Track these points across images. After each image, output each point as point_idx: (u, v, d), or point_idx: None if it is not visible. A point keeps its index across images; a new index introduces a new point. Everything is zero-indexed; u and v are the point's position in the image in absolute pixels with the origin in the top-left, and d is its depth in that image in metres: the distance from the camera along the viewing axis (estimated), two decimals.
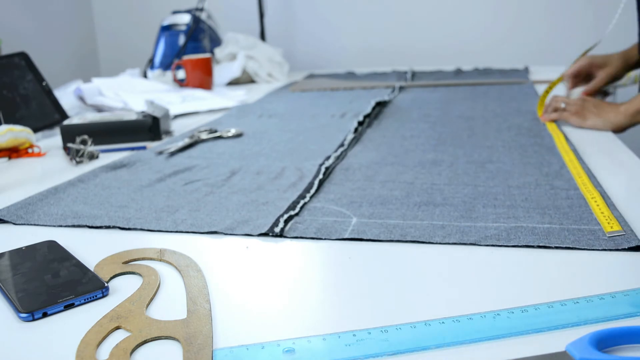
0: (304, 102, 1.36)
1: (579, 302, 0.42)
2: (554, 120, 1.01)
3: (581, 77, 1.21)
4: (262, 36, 2.09)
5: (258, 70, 1.77)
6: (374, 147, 0.91)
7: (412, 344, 0.38)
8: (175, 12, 1.86)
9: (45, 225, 0.64)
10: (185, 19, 1.80)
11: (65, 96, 1.36)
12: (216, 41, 1.87)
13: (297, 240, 0.57)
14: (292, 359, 0.37)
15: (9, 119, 1.08)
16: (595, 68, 1.19)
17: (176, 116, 1.26)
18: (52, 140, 1.08)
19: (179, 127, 1.14)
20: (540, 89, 1.36)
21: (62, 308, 0.45)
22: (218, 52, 1.81)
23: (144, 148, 0.98)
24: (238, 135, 1.04)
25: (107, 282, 0.49)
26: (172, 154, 0.92)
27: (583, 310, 0.41)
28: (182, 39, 1.77)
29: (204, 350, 0.38)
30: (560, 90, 1.33)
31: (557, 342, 0.38)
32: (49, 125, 1.15)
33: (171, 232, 0.61)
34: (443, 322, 0.40)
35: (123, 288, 0.49)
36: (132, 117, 1.02)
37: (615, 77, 1.20)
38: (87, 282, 0.48)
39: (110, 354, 0.39)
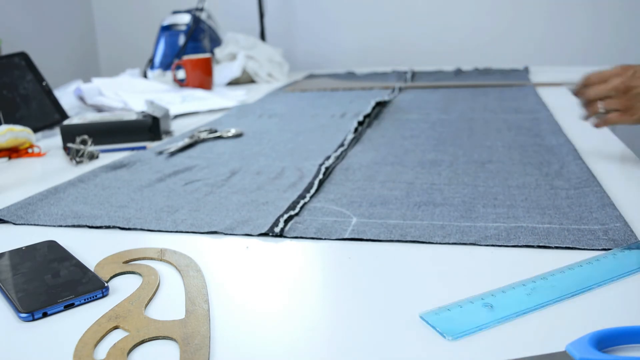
0: (304, 102, 1.36)
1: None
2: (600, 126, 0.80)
3: None
4: (262, 36, 2.09)
5: (258, 70, 1.77)
6: (374, 147, 0.91)
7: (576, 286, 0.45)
8: (175, 12, 1.86)
9: (45, 225, 0.64)
10: (185, 19, 1.81)
11: (65, 96, 1.36)
12: (216, 41, 1.87)
13: (297, 240, 0.57)
14: (492, 313, 0.41)
15: (9, 119, 1.08)
16: None
17: (176, 116, 1.26)
18: (52, 140, 1.08)
19: (179, 127, 1.14)
20: (542, 91, 1.35)
21: (62, 308, 0.45)
22: (218, 52, 1.81)
23: (144, 148, 0.98)
24: (238, 135, 1.04)
25: (107, 282, 0.49)
26: (172, 154, 0.92)
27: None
28: (182, 39, 1.77)
29: (201, 351, 0.38)
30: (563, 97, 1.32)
31: (557, 342, 0.38)
32: (49, 125, 1.15)
33: (171, 232, 0.61)
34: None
35: (123, 288, 0.49)
36: (132, 117, 1.02)
37: None
38: (87, 282, 0.48)
39: (107, 353, 0.39)
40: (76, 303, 0.46)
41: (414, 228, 0.58)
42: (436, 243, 0.55)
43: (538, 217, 0.59)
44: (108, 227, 0.63)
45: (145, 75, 1.78)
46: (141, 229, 0.62)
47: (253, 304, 0.45)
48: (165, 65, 1.76)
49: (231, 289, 0.48)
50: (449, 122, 1.07)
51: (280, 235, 0.58)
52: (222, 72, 1.72)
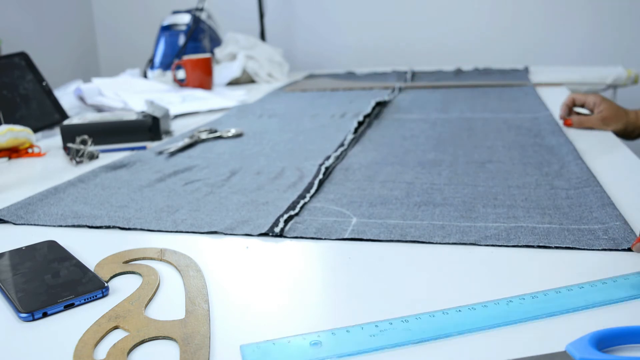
0: (304, 102, 1.36)
1: (584, 287, 0.44)
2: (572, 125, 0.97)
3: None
4: (262, 36, 2.09)
5: (258, 70, 1.77)
6: (374, 147, 0.91)
7: (434, 332, 0.39)
8: (175, 12, 1.86)
9: (45, 225, 0.64)
10: (185, 19, 1.80)
11: (65, 96, 1.36)
12: (216, 41, 1.87)
13: (297, 240, 0.57)
14: (319, 351, 0.38)
15: (9, 119, 1.08)
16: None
17: (176, 116, 1.26)
18: (52, 140, 1.08)
19: (179, 127, 1.14)
20: (542, 92, 1.35)
21: (62, 308, 0.45)
22: (218, 52, 1.81)
23: (144, 148, 0.98)
24: (238, 135, 1.04)
25: (107, 282, 0.49)
26: (172, 154, 0.92)
27: (589, 294, 0.43)
28: (182, 39, 1.77)
29: (201, 351, 0.38)
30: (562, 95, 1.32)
31: (557, 342, 0.38)
32: (49, 125, 1.15)
33: (171, 232, 0.61)
34: (460, 310, 0.42)
35: (123, 288, 0.49)
36: (132, 117, 1.02)
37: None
38: (87, 282, 0.48)
39: (107, 353, 0.39)
40: (76, 303, 0.46)
41: (414, 228, 0.58)
42: (436, 243, 0.55)
43: (538, 217, 0.59)
44: (108, 227, 0.63)
45: (145, 75, 1.78)
46: (141, 229, 0.62)
47: (253, 304, 0.45)
48: (165, 65, 1.76)
49: (231, 289, 0.48)
50: (449, 122, 1.07)
51: (280, 235, 0.58)
52: (222, 72, 1.72)
